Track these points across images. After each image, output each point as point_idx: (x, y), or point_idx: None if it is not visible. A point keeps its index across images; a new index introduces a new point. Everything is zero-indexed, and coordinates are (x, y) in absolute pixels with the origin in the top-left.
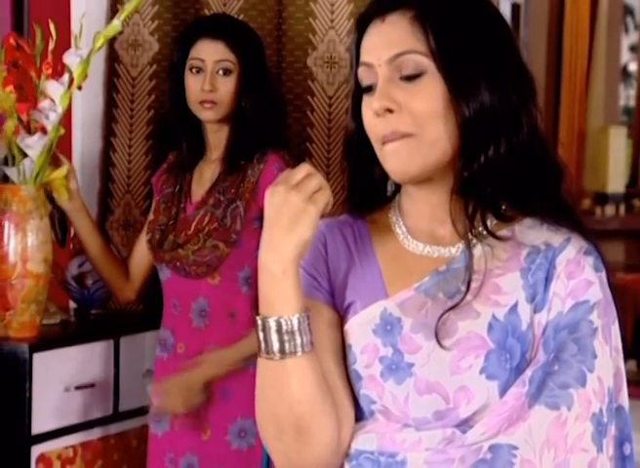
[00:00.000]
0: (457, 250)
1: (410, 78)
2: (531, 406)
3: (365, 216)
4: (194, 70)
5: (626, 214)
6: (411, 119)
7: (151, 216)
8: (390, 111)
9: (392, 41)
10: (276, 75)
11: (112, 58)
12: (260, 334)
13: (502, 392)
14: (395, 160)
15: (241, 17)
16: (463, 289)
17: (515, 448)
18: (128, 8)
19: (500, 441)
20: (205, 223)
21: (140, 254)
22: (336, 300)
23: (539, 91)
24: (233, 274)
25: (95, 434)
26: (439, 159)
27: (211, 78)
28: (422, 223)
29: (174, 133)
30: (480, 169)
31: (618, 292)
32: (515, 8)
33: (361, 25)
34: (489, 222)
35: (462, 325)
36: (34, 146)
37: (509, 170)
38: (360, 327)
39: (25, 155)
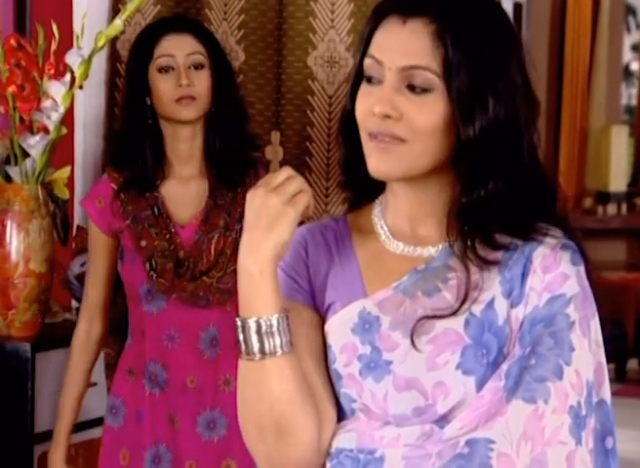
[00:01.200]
0: (436, 250)
1: (415, 89)
2: (508, 400)
3: (347, 218)
4: (163, 71)
5: (628, 212)
6: (408, 128)
7: (144, 243)
8: (389, 117)
9: (410, 51)
10: (277, 75)
11: (114, 57)
12: (240, 336)
13: (479, 387)
14: (378, 159)
15: (242, 16)
16: (442, 287)
17: (492, 441)
18: (129, 7)
19: (477, 435)
20: (222, 247)
21: (106, 285)
22: (316, 302)
23: (540, 92)
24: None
25: (96, 433)
26: (423, 169)
27: (185, 72)
28: (404, 223)
29: (132, 148)
30: (479, 198)
31: (619, 290)
32: (517, 7)
33: (377, 16)
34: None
35: (440, 322)
36: (36, 146)
37: (509, 198)
38: (339, 326)
39: (27, 155)
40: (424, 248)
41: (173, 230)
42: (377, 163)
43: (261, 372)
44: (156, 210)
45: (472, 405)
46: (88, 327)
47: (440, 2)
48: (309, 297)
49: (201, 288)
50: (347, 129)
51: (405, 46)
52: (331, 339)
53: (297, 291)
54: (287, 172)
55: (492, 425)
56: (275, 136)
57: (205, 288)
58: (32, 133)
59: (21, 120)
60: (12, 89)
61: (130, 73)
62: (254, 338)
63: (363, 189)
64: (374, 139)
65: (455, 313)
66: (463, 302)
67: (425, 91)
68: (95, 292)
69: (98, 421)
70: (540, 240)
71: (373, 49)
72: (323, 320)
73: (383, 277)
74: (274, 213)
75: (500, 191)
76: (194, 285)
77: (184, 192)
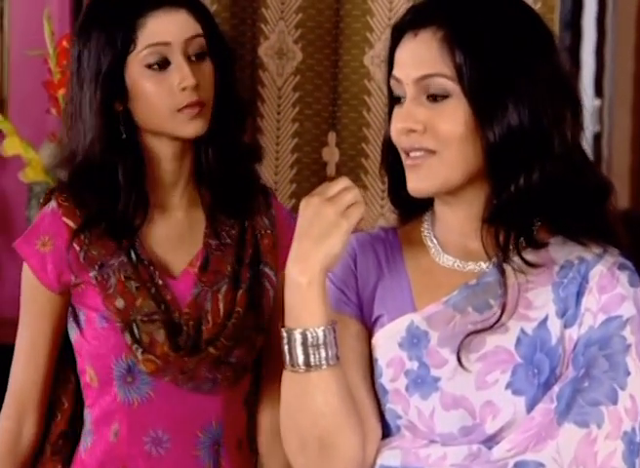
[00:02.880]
0: (488, 265)
1: (436, 98)
2: (560, 423)
3: (397, 230)
4: (155, 67)
5: None
6: (434, 138)
7: (121, 303)
8: (414, 131)
9: (421, 61)
10: (333, 74)
11: None
12: (285, 347)
13: (530, 408)
14: (414, 174)
15: (299, 15)
16: (493, 303)
17: (542, 465)
18: None
19: (526, 458)
20: (232, 304)
21: (46, 365)
22: (364, 314)
23: (625, 87)
24: (244, 384)
25: None
26: (459, 179)
27: (189, 68)
28: (453, 237)
29: (98, 172)
30: (510, 197)
31: None
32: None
33: (396, 35)
34: (520, 248)
35: (490, 339)
36: None
37: (542, 196)
38: (386, 340)
39: None
40: (476, 262)
41: (160, 283)
42: (413, 181)
43: (306, 385)
44: (133, 254)
45: (522, 426)
46: (16, 426)
47: (448, 9)
48: (357, 310)
49: (206, 364)
50: (389, 153)
51: (416, 57)
52: (377, 353)
53: (344, 302)
54: (344, 182)
55: (542, 448)
56: (332, 137)
57: (211, 364)
58: None
59: None
60: (63, 91)
61: (91, 65)
62: (299, 350)
63: (411, 207)
64: (407, 158)
65: (495, 324)
66: (503, 311)
67: (444, 97)
68: (28, 376)
69: None
70: (597, 258)
71: (394, 69)
72: (370, 333)
73: (433, 291)
74: (327, 223)
75: (532, 186)
76: (197, 360)
77: (172, 228)
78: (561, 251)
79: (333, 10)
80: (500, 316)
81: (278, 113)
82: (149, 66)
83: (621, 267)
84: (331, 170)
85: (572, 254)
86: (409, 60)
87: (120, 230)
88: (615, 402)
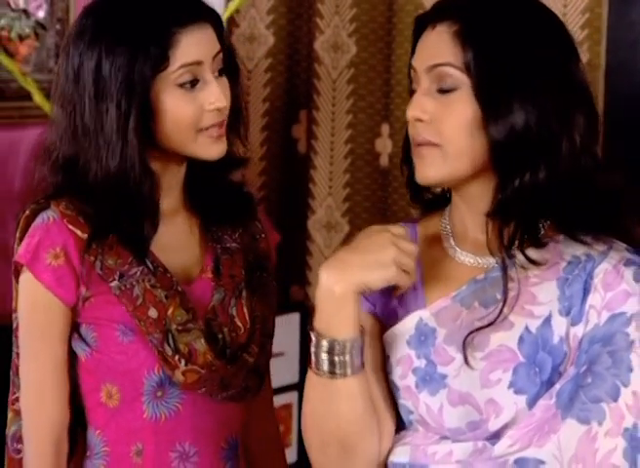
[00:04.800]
0: (496, 260)
1: (445, 91)
2: (563, 417)
3: (418, 224)
4: (187, 86)
5: None
6: (438, 130)
7: (154, 313)
8: (421, 121)
9: (434, 51)
10: (387, 67)
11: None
12: (312, 349)
13: (531, 406)
14: (420, 164)
15: (354, 10)
16: (499, 298)
17: (542, 462)
18: (231, 6)
19: (527, 454)
20: (253, 308)
21: (68, 389)
22: (377, 309)
23: None
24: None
25: (287, 398)
26: (464, 172)
27: (220, 87)
28: (467, 231)
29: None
30: (514, 194)
31: None
32: None
33: (418, 27)
34: (525, 244)
35: (495, 337)
36: None
37: (549, 194)
38: (396, 338)
39: None
40: (487, 257)
41: (180, 289)
42: (420, 169)
43: (330, 390)
44: (148, 261)
45: (522, 422)
46: (56, 460)
47: (466, 5)
48: (371, 306)
49: (243, 372)
50: (408, 147)
51: (431, 47)
52: (388, 350)
53: (364, 298)
54: (413, 248)
55: (544, 443)
56: (385, 129)
57: (247, 372)
58: None
59: None
60: None
61: (117, 80)
62: (324, 357)
63: (432, 201)
64: (416, 146)
65: (497, 320)
66: (503, 306)
67: (453, 90)
68: (60, 408)
69: (288, 388)
70: (603, 255)
71: (412, 58)
72: (383, 328)
73: (444, 286)
74: (382, 261)
75: (538, 184)
76: (236, 368)
77: (173, 233)
78: (570, 246)
79: (386, 4)
80: (501, 311)
81: (333, 105)
82: (181, 85)
83: (628, 263)
84: (384, 161)
85: (579, 251)
86: (424, 51)
87: (133, 240)
88: (616, 399)
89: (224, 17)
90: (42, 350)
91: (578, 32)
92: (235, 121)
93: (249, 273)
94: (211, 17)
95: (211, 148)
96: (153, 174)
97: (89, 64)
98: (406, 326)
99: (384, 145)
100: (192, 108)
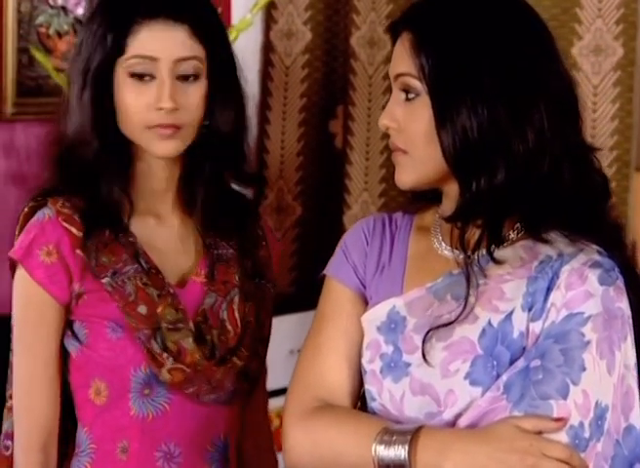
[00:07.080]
0: (476, 254)
1: (410, 99)
2: (511, 411)
3: (415, 214)
4: (136, 77)
5: None
6: (405, 138)
7: (143, 310)
8: (392, 128)
9: (398, 61)
10: None
11: (267, 47)
12: None
13: None
14: (396, 170)
15: (390, 6)
16: (472, 293)
17: None
18: (260, 2)
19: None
20: (245, 314)
21: (59, 388)
22: (365, 293)
23: None
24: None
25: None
26: (433, 176)
27: (171, 88)
28: (452, 225)
29: (90, 169)
30: (473, 197)
31: None
32: None
33: (392, 37)
34: (491, 246)
35: (459, 329)
36: None
37: (510, 195)
38: (369, 323)
39: None
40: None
41: (171, 291)
42: (396, 175)
43: None
44: (142, 260)
45: (468, 413)
46: (45, 458)
47: (423, 13)
48: (362, 287)
49: (232, 374)
50: None
51: (396, 57)
52: (364, 334)
53: (354, 279)
54: (567, 451)
55: None
56: None
57: (235, 374)
58: None
59: None
60: None
61: (84, 57)
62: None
63: (426, 195)
64: (392, 153)
65: (459, 317)
66: (465, 305)
67: (415, 97)
68: (50, 403)
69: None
70: (572, 256)
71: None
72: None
73: (423, 276)
74: None
75: (497, 186)
76: (224, 370)
77: (168, 236)
78: (547, 246)
79: None
80: (463, 309)
81: (369, 101)
82: (132, 76)
83: (594, 265)
84: None
85: (553, 251)
86: (393, 60)
87: (113, 223)
88: (565, 396)
89: (254, 10)
90: (34, 346)
91: (613, 27)
92: (222, 127)
93: (244, 279)
94: (189, 21)
95: (158, 145)
96: (113, 143)
97: (76, 41)
98: (378, 312)
99: None
100: (139, 101)
